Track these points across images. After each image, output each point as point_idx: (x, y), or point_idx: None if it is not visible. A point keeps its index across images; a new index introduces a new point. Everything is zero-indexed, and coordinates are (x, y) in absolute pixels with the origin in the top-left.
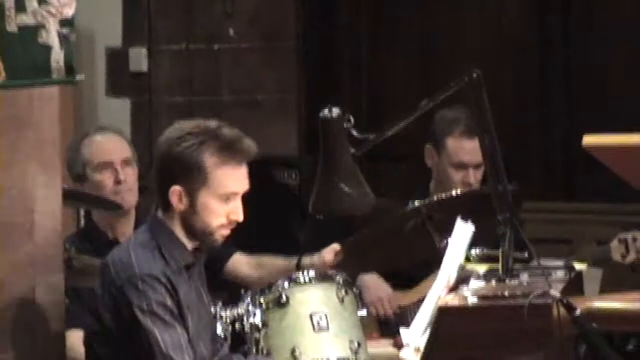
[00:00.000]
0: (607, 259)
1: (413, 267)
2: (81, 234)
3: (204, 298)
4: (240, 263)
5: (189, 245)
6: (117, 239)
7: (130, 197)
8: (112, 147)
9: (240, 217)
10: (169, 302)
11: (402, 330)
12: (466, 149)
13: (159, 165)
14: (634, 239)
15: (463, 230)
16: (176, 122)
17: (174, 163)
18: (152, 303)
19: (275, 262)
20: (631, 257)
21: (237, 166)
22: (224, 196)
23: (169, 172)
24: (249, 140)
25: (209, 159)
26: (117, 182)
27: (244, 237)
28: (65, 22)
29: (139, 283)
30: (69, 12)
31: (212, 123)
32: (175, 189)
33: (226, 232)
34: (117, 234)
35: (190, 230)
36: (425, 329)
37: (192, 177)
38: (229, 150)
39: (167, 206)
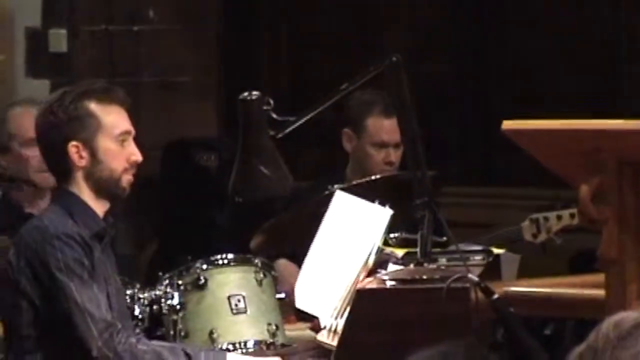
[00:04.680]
0: (519, 239)
1: None
2: None
3: (116, 276)
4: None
5: (99, 209)
6: (32, 214)
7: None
8: None
9: (139, 157)
10: (85, 261)
11: (320, 314)
12: (386, 127)
13: (47, 132)
14: (545, 219)
15: (379, 213)
16: (43, 99)
17: (62, 122)
18: (69, 260)
19: None
20: (542, 236)
21: (120, 108)
22: (119, 137)
23: (60, 133)
24: (119, 88)
25: (94, 105)
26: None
27: (162, 220)
28: None
29: (54, 242)
30: None
31: (81, 83)
32: (73, 145)
33: (130, 177)
34: (33, 209)
35: (97, 186)
36: (342, 311)
37: (85, 127)
38: (108, 95)
39: (67, 172)
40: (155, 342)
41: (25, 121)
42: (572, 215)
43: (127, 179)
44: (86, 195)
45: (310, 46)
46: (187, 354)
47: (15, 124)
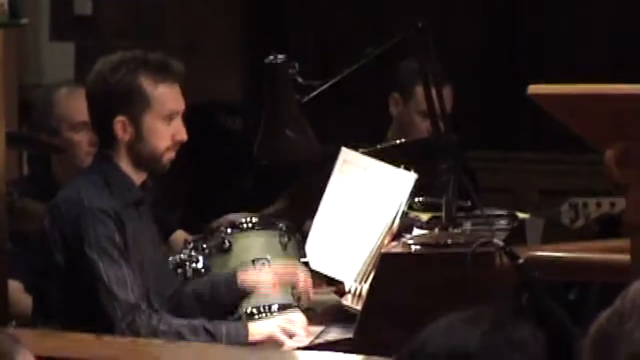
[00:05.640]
0: (556, 223)
1: None
2: (30, 179)
3: (155, 237)
4: (179, 241)
5: (137, 179)
6: None
7: None
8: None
9: (184, 136)
10: (117, 238)
11: (340, 276)
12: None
13: (96, 101)
14: (584, 205)
15: (404, 177)
16: (99, 59)
17: (112, 94)
18: (101, 238)
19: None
20: (580, 222)
21: (173, 84)
22: (167, 116)
23: (108, 104)
24: (175, 61)
25: (146, 82)
26: (92, 144)
27: (187, 183)
28: None
29: (88, 217)
30: None
31: (137, 51)
32: (119, 119)
33: (172, 155)
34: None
35: (138, 160)
36: (367, 275)
37: (134, 102)
38: (162, 71)
39: (110, 141)
40: (176, 322)
41: (73, 104)
42: (612, 204)
43: (168, 156)
44: (125, 165)
45: (335, 10)
46: (208, 331)
47: (62, 106)
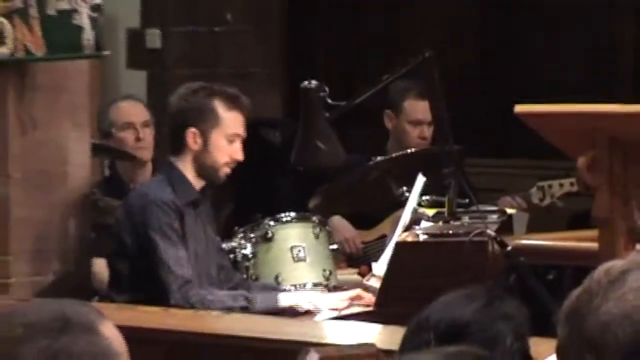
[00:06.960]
0: (528, 202)
1: (374, 210)
2: (107, 181)
3: (209, 232)
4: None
5: (196, 184)
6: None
7: (147, 152)
8: (133, 111)
9: (240, 157)
10: (176, 225)
11: (374, 264)
12: (420, 108)
13: (176, 114)
14: (550, 186)
15: (418, 182)
16: (184, 85)
17: (190, 110)
18: (162, 224)
19: None
20: (547, 201)
21: (240, 114)
22: (231, 136)
23: (185, 118)
24: (245, 98)
25: (220, 105)
26: (137, 139)
27: (237, 186)
28: (95, 8)
29: (152, 207)
30: None
31: (217, 84)
32: (192, 131)
33: (228, 170)
34: (136, 184)
35: (200, 169)
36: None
37: (206, 119)
38: (234, 100)
39: (180, 149)
40: (221, 292)
41: (122, 110)
42: (572, 184)
43: (225, 170)
44: (188, 171)
45: (357, 43)
46: (246, 298)
47: (114, 112)
